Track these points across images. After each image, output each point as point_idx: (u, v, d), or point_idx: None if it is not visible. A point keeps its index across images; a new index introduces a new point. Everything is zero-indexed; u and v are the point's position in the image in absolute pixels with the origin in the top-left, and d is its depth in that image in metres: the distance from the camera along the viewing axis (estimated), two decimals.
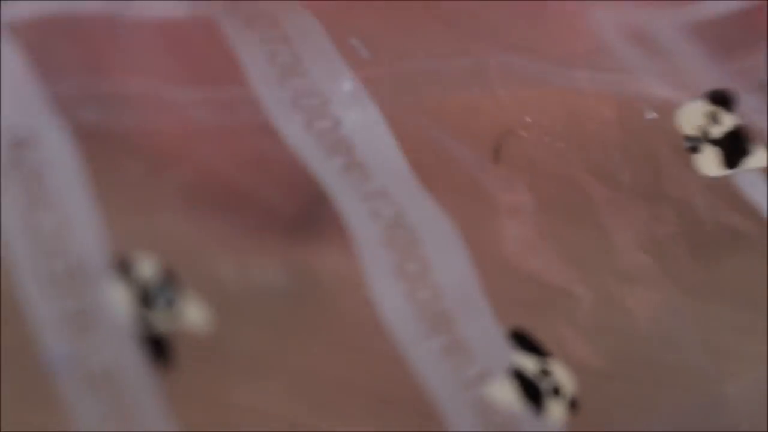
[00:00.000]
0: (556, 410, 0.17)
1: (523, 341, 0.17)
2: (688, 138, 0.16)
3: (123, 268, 0.19)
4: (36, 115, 0.19)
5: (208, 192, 0.18)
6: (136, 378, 0.19)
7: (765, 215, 0.16)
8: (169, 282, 0.19)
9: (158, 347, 0.19)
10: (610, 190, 0.16)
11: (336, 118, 0.17)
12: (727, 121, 0.16)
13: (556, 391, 0.17)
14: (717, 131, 0.16)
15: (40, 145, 0.19)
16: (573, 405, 0.17)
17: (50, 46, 0.19)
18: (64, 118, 0.19)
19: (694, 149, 0.16)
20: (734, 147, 0.16)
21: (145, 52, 0.19)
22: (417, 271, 0.17)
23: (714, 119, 0.16)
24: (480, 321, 0.17)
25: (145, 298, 0.19)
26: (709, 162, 0.16)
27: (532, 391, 0.17)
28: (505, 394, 0.17)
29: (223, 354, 0.19)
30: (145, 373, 0.19)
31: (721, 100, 0.16)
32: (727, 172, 0.16)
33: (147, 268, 0.19)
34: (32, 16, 0.19)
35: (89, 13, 0.18)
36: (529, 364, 0.17)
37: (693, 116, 0.16)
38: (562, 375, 0.17)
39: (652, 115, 0.16)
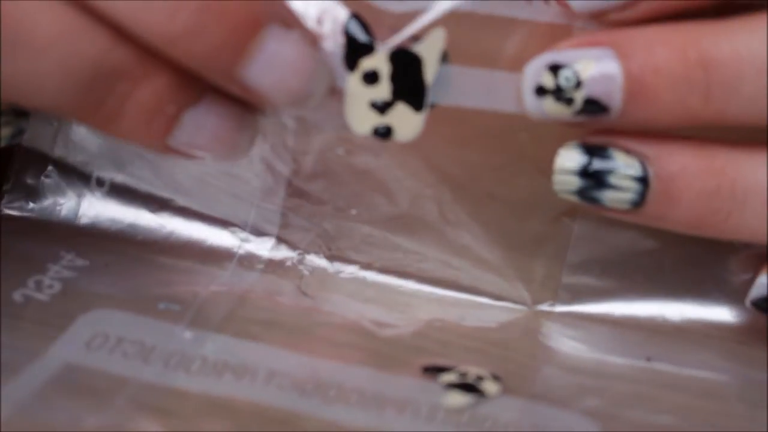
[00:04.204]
0: (491, 388, 0.22)
1: (434, 369, 0.23)
2: None
3: None
4: None
5: None
6: None
7: None
8: None
9: None
10: None
11: None
12: None
13: (480, 378, 0.22)
14: None
15: None
16: (496, 378, 0.22)
17: None
18: None
19: None
20: None
21: None
22: None
23: None
24: None
25: None
26: None
27: (468, 387, 0.22)
28: (456, 398, 0.22)
29: None
30: None
31: None
32: None
33: None
34: None
35: None
36: (450, 377, 0.22)
37: None
38: (473, 369, 0.23)
39: None
